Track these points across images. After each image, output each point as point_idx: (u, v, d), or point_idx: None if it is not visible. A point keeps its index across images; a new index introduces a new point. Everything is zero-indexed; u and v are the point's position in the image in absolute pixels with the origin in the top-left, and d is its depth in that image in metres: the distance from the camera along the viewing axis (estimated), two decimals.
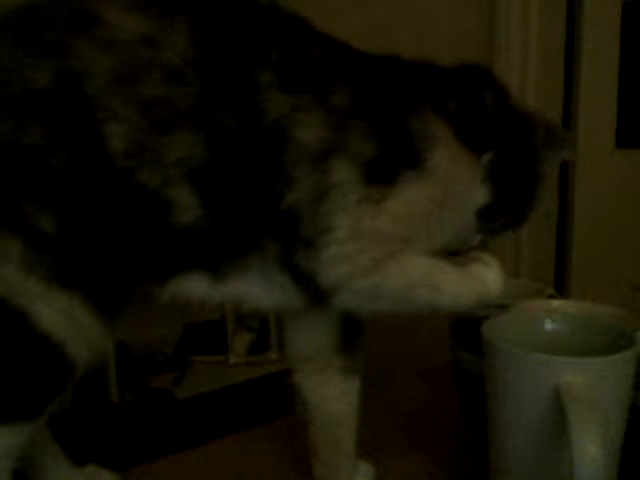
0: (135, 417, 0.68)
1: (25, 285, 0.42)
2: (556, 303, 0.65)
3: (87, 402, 0.67)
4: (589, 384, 0.43)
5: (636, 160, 1.49)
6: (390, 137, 0.47)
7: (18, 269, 0.42)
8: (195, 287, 0.47)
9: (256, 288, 0.48)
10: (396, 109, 0.48)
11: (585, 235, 1.50)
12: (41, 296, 0.42)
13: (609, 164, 1.47)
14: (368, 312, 0.50)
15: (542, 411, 0.45)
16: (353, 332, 0.54)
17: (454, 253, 0.52)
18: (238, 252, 0.46)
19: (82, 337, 0.44)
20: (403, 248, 0.47)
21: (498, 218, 0.53)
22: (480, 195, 0.51)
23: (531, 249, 1.49)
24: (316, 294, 0.47)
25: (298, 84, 0.46)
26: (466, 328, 0.63)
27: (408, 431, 0.56)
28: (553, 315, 0.55)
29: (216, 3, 0.47)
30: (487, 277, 0.50)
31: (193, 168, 0.43)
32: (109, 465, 0.57)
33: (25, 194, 0.42)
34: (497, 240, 1.48)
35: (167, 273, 0.47)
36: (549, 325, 0.54)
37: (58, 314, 0.43)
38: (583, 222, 1.49)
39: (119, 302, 0.46)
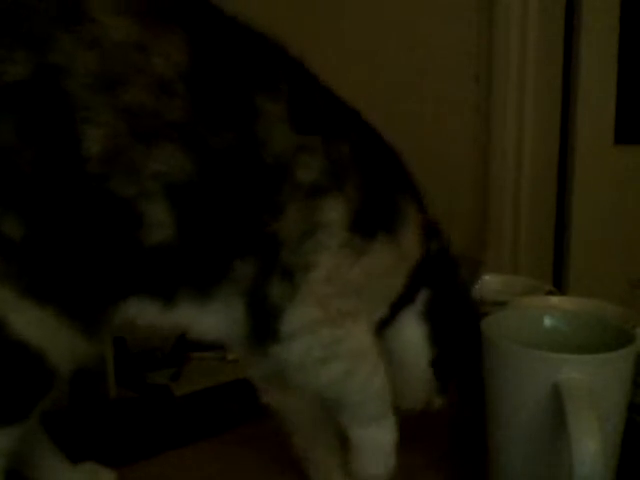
0: (133, 413, 0.68)
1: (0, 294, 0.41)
2: (555, 300, 0.65)
3: (84, 398, 0.67)
4: (588, 381, 0.43)
5: (635, 156, 1.48)
6: (378, 198, 0.48)
7: None
8: (143, 311, 0.45)
9: (208, 317, 0.46)
10: (387, 178, 0.49)
11: (584, 231, 1.49)
12: (14, 306, 0.41)
13: (608, 160, 1.47)
14: (301, 380, 0.47)
15: (541, 408, 0.45)
16: None
17: None
18: (205, 278, 0.45)
19: (62, 346, 0.43)
20: (361, 310, 0.48)
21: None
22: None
23: (529, 245, 1.48)
24: (265, 333, 0.46)
25: (307, 123, 0.45)
26: None
27: (404, 425, 0.56)
28: (552, 312, 0.55)
29: (216, 24, 0.45)
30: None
31: (174, 184, 0.41)
32: (106, 462, 0.57)
33: None
34: (496, 236, 1.47)
35: (122, 293, 0.45)
36: (548, 322, 0.53)
37: (33, 324, 0.41)
38: (582, 218, 1.49)
39: (92, 316, 0.44)
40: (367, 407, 0.49)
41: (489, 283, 0.76)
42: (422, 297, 0.52)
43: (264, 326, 0.46)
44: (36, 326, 0.41)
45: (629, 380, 0.47)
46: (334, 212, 0.45)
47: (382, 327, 0.51)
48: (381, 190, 0.48)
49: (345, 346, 0.47)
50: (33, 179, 0.40)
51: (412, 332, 0.52)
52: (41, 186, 0.40)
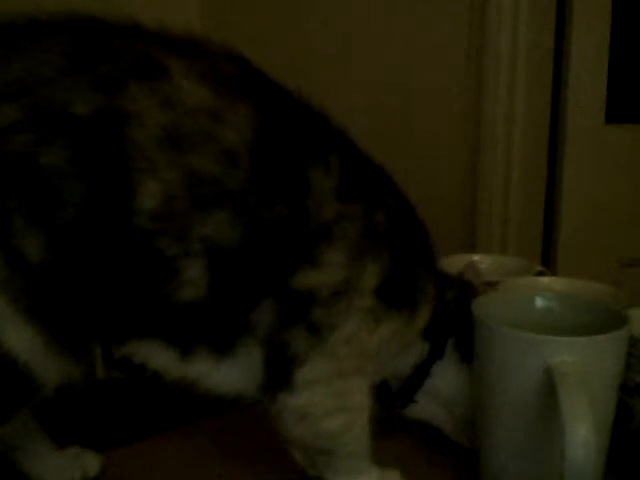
0: (120, 395, 0.67)
1: None
2: (546, 280, 0.64)
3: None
4: (581, 364, 0.42)
5: (626, 136, 1.48)
6: (405, 271, 0.49)
7: None
8: (155, 357, 0.46)
9: (222, 371, 0.47)
10: (413, 250, 0.51)
11: (574, 211, 1.49)
12: (8, 319, 0.41)
13: (599, 140, 1.47)
14: (300, 429, 0.48)
15: (532, 391, 0.44)
16: None
17: None
18: (227, 334, 0.45)
19: (50, 369, 0.43)
20: (367, 368, 0.49)
21: None
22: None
23: (519, 225, 1.48)
24: (279, 381, 0.46)
25: (351, 193, 0.46)
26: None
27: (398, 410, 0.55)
28: (544, 293, 0.54)
29: (278, 98, 0.46)
30: None
31: (216, 248, 0.42)
32: (93, 446, 0.56)
33: (20, 209, 0.40)
34: (485, 216, 1.47)
35: (133, 335, 0.45)
36: (540, 303, 0.53)
37: (23, 339, 0.41)
38: (572, 198, 1.48)
39: (82, 345, 0.45)
40: (356, 458, 0.50)
41: (480, 263, 0.75)
42: (450, 347, 0.53)
43: (280, 374, 0.46)
44: (27, 346, 0.42)
45: (621, 362, 0.46)
46: (369, 278, 0.46)
47: (418, 386, 0.54)
48: (408, 263, 0.50)
49: (350, 399, 0.48)
50: (74, 211, 0.40)
51: (447, 378, 0.54)
52: (80, 220, 0.40)
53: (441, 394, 0.54)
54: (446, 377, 0.54)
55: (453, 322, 0.53)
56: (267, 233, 0.43)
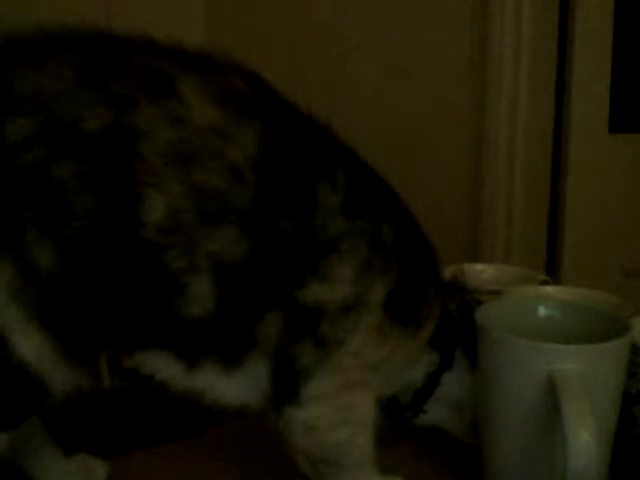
0: (126, 404, 0.68)
1: (8, 309, 0.41)
2: (550, 289, 0.64)
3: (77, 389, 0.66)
4: (583, 372, 0.43)
5: (630, 145, 1.48)
6: (411, 288, 0.50)
7: (4, 292, 0.41)
8: (162, 368, 0.47)
9: (229, 384, 0.47)
10: (419, 266, 0.52)
11: (578, 220, 1.49)
12: (20, 328, 0.42)
13: (602, 149, 1.47)
14: (305, 441, 0.48)
15: (535, 399, 0.44)
16: None
17: None
18: (235, 349, 0.46)
19: (61, 377, 0.43)
20: (373, 381, 0.49)
21: None
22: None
23: (523, 235, 1.48)
24: (286, 395, 0.47)
25: (358, 210, 0.47)
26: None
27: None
28: (547, 301, 0.54)
29: (286, 116, 0.47)
30: None
31: (223, 264, 0.43)
32: (100, 453, 0.56)
33: (34, 220, 0.41)
34: (489, 226, 1.47)
35: (141, 346, 0.46)
36: (543, 311, 0.53)
37: (34, 347, 0.42)
38: (576, 207, 1.49)
39: (91, 354, 0.46)
40: (361, 468, 0.50)
41: (482, 272, 0.76)
42: (458, 356, 0.54)
43: (286, 388, 0.47)
44: (38, 353, 0.42)
45: (624, 370, 0.46)
46: (377, 293, 0.47)
47: (428, 393, 0.54)
48: (414, 279, 0.51)
49: (356, 412, 0.49)
50: (83, 223, 0.41)
51: (457, 386, 0.54)
52: (89, 232, 0.41)
53: (452, 400, 0.55)
54: (456, 385, 0.54)
55: (459, 331, 0.54)
56: (273, 249, 0.44)
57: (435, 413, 0.55)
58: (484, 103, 1.42)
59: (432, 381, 0.54)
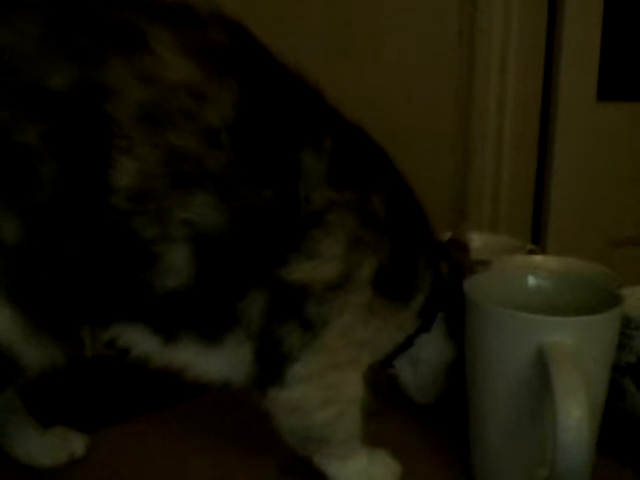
0: (106, 374, 0.66)
1: None
2: (539, 259, 0.63)
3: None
4: (575, 344, 0.42)
5: (617, 113, 1.47)
6: (402, 262, 0.48)
7: None
8: (138, 342, 0.44)
9: (210, 360, 0.45)
10: (412, 237, 0.50)
11: (563, 190, 1.49)
12: None
13: (590, 117, 1.46)
14: (292, 421, 0.47)
15: (524, 372, 0.43)
16: None
17: None
18: (215, 325, 0.44)
19: (34, 352, 0.42)
20: (362, 358, 0.48)
21: None
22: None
23: (509, 203, 1.48)
24: (270, 376, 0.45)
25: (346, 179, 0.44)
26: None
27: (388, 389, 0.55)
28: (536, 272, 0.53)
29: (269, 74, 0.44)
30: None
31: (201, 235, 0.40)
32: (79, 426, 0.55)
33: None
34: (476, 193, 1.46)
35: (115, 319, 0.44)
36: (532, 282, 0.52)
37: (4, 322, 0.40)
38: (562, 176, 1.48)
39: (66, 328, 0.43)
40: (347, 443, 0.49)
41: (470, 241, 0.75)
42: (439, 320, 0.52)
43: (271, 370, 0.45)
44: (8, 328, 0.40)
45: (615, 342, 0.45)
46: (367, 270, 0.45)
47: (400, 352, 0.53)
48: (407, 250, 0.48)
49: (343, 391, 0.47)
50: (49, 191, 0.38)
51: (431, 350, 0.53)
52: (56, 201, 0.39)
53: (420, 360, 0.54)
54: (430, 348, 0.53)
55: (445, 297, 0.52)
56: (253, 221, 0.41)
57: (402, 369, 0.54)
58: (472, 70, 1.40)
59: (407, 342, 0.52)
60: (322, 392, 0.46)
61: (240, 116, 0.41)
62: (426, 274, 0.50)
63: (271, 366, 0.45)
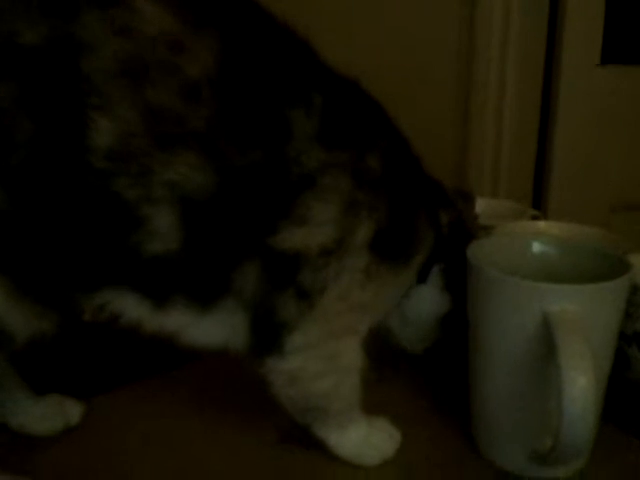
0: (101, 340, 0.65)
1: None
2: (543, 225, 0.62)
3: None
4: (581, 312, 0.41)
5: (621, 77, 1.45)
6: (400, 223, 0.46)
7: None
8: (128, 308, 0.43)
9: (204, 327, 0.44)
10: (410, 196, 0.47)
11: (565, 154, 1.47)
12: None
13: (593, 81, 1.43)
14: (290, 391, 0.46)
15: (529, 340, 0.42)
16: None
17: None
18: (207, 290, 0.42)
19: (16, 315, 0.40)
20: (361, 324, 0.47)
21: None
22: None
23: (510, 168, 1.46)
24: (267, 346, 0.44)
25: (338, 139, 0.42)
26: None
27: (388, 357, 0.54)
28: (541, 237, 0.52)
29: (255, 26, 0.42)
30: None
31: (188, 197, 0.38)
32: (74, 393, 0.54)
33: None
34: (477, 159, 1.45)
35: (102, 285, 0.42)
36: (537, 248, 0.51)
37: None
38: (564, 140, 1.46)
39: (53, 294, 0.42)
40: (346, 412, 0.48)
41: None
42: (435, 272, 0.51)
43: (268, 340, 0.44)
44: None
45: (622, 310, 0.44)
46: (363, 234, 0.43)
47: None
48: (406, 210, 0.47)
49: (341, 360, 0.46)
50: (25, 153, 0.37)
51: (425, 303, 0.52)
52: (33, 163, 0.37)
53: (413, 311, 0.52)
54: (422, 301, 0.52)
55: (444, 249, 0.50)
56: (242, 182, 0.40)
57: (392, 318, 0.53)
58: (474, 31, 1.37)
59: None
60: (320, 362, 0.45)
61: (222, 70, 0.39)
62: (427, 232, 0.49)
63: (268, 336, 0.44)
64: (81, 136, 0.37)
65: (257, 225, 0.41)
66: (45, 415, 0.52)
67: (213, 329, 0.45)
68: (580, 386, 0.38)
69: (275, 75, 0.41)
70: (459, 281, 0.48)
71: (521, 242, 0.52)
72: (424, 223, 0.49)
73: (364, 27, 1.31)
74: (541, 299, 0.42)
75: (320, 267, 0.42)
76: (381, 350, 0.49)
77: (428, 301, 0.52)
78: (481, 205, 0.74)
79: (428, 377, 0.56)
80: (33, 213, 0.38)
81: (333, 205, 0.42)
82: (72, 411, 0.53)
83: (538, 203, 1.49)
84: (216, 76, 0.38)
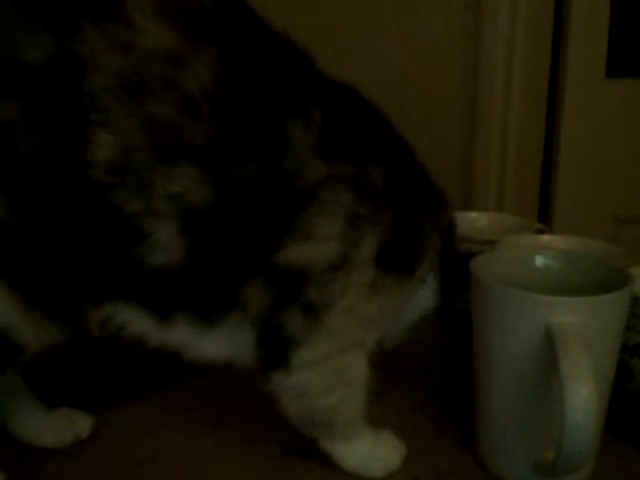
0: (112, 354, 0.66)
1: None
2: (546, 238, 0.63)
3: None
4: (582, 324, 0.41)
5: (626, 90, 1.45)
6: (405, 234, 0.46)
7: None
8: (133, 321, 0.44)
9: (209, 342, 0.45)
10: (414, 209, 0.47)
11: (571, 167, 1.47)
12: None
13: (598, 94, 1.44)
14: (296, 406, 0.47)
15: (532, 352, 0.43)
16: None
17: None
18: (211, 305, 0.43)
19: (30, 329, 0.41)
20: (366, 338, 0.47)
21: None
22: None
23: (516, 182, 1.47)
24: (274, 362, 0.45)
25: (338, 151, 0.42)
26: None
27: (392, 369, 0.55)
28: (544, 251, 0.52)
29: (253, 40, 0.42)
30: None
31: (190, 210, 0.39)
32: (84, 407, 0.55)
33: None
34: (482, 170, 1.45)
35: (106, 298, 0.43)
36: (540, 262, 0.51)
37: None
38: (570, 153, 1.46)
39: (64, 313, 0.42)
40: (352, 425, 0.49)
41: (476, 221, 0.74)
42: (431, 275, 0.51)
43: (274, 355, 0.45)
44: (3, 307, 0.40)
45: (624, 323, 0.45)
46: (368, 248, 0.43)
47: None
48: (410, 220, 0.47)
49: (349, 374, 0.47)
50: (29, 167, 0.38)
51: (417, 302, 0.52)
52: (36, 176, 0.38)
53: (404, 310, 0.52)
54: (413, 302, 0.51)
55: (442, 251, 0.50)
56: (241, 196, 0.40)
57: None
58: (479, 46, 1.38)
59: None
60: (327, 376, 0.46)
61: (220, 84, 0.39)
62: (432, 240, 0.49)
63: (275, 351, 0.44)
64: (83, 151, 0.37)
65: (260, 241, 0.41)
66: (55, 428, 0.52)
67: (218, 344, 0.45)
68: (582, 396, 0.38)
69: (273, 88, 0.42)
70: (453, 281, 0.49)
71: (524, 255, 0.52)
72: (429, 231, 0.48)
73: (369, 45, 1.33)
74: (543, 311, 0.42)
75: (326, 282, 0.43)
76: (383, 364, 0.50)
77: (420, 300, 0.52)
78: (485, 219, 0.75)
79: (432, 388, 0.57)
80: (37, 225, 0.39)
81: (336, 220, 0.42)
82: (82, 424, 0.53)
83: (544, 217, 1.50)
84: (214, 90, 0.39)
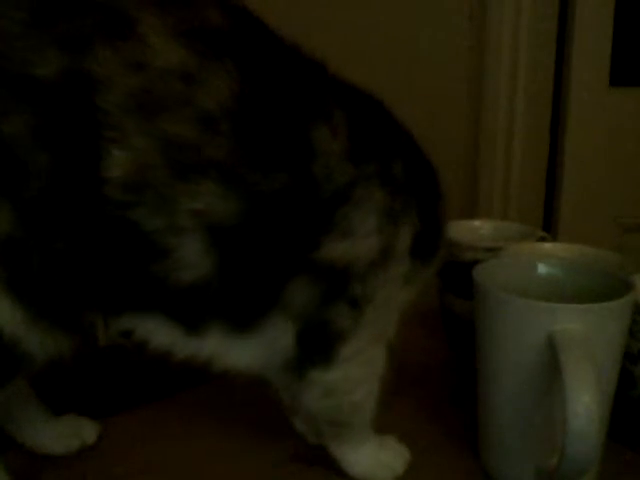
0: (119, 362, 0.67)
1: None
2: (549, 246, 0.63)
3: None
4: (585, 332, 0.41)
5: (630, 99, 1.46)
6: (429, 223, 0.47)
7: None
8: (157, 334, 0.43)
9: (242, 349, 0.44)
10: (432, 198, 0.48)
11: (576, 176, 1.48)
12: None
13: (602, 102, 1.44)
14: (323, 404, 0.47)
15: (534, 359, 0.43)
16: None
17: None
18: (246, 313, 0.43)
19: (39, 340, 0.41)
20: (389, 328, 0.48)
21: None
22: None
23: (520, 190, 1.47)
24: (315, 358, 0.45)
25: (364, 152, 0.43)
26: (455, 271, 0.62)
27: (395, 375, 0.55)
28: (546, 259, 0.53)
29: (269, 54, 0.42)
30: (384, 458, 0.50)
31: (217, 225, 0.39)
32: (90, 414, 0.55)
33: None
34: (487, 179, 1.45)
35: (127, 309, 0.42)
36: (542, 269, 0.52)
37: (4, 313, 0.39)
38: (574, 162, 1.47)
39: (71, 317, 0.42)
40: (364, 428, 0.49)
41: (480, 229, 0.74)
42: None
43: (318, 351, 0.44)
44: (9, 318, 0.40)
45: (626, 329, 0.45)
46: (403, 239, 0.44)
47: None
48: (430, 212, 0.47)
49: (376, 366, 0.47)
50: (40, 183, 0.37)
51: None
52: (47, 192, 0.38)
53: None
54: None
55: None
56: (271, 206, 0.40)
57: None
58: (484, 53, 1.39)
59: None
60: (361, 369, 0.46)
61: (239, 99, 0.39)
62: (445, 226, 0.50)
63: (319, 348, 0.44)
64: (95, 168, 0.37)
65: (298, 242, 0.41)
66: (62, 435, 0.53)
67: (252, 350, 0.44)
68: (584, 403, 0.38)
69: (293, 99, 0.42)
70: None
71: (526, 263, 0.53)
72: (444, 219, 0.49)
73: (374, 55, 1.33)
74: (546, 319, 0.43)
75: (369, 276, 0.43)
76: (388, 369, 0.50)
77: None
78: (489, 227, 0.75)
79: (435, 396, 0.57)
80: (47, 239, 0.39)
81: (372, 215, 0.43)
82: (88, 431, 0.54)
83: (549, 225, 1.50)
84: (232, 105, 0.39)
